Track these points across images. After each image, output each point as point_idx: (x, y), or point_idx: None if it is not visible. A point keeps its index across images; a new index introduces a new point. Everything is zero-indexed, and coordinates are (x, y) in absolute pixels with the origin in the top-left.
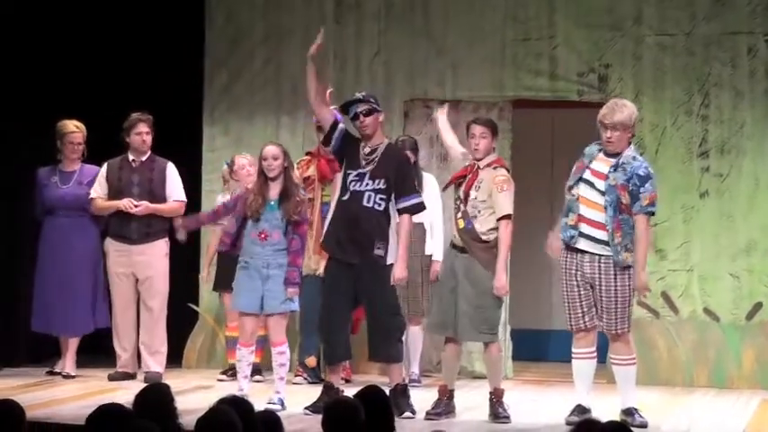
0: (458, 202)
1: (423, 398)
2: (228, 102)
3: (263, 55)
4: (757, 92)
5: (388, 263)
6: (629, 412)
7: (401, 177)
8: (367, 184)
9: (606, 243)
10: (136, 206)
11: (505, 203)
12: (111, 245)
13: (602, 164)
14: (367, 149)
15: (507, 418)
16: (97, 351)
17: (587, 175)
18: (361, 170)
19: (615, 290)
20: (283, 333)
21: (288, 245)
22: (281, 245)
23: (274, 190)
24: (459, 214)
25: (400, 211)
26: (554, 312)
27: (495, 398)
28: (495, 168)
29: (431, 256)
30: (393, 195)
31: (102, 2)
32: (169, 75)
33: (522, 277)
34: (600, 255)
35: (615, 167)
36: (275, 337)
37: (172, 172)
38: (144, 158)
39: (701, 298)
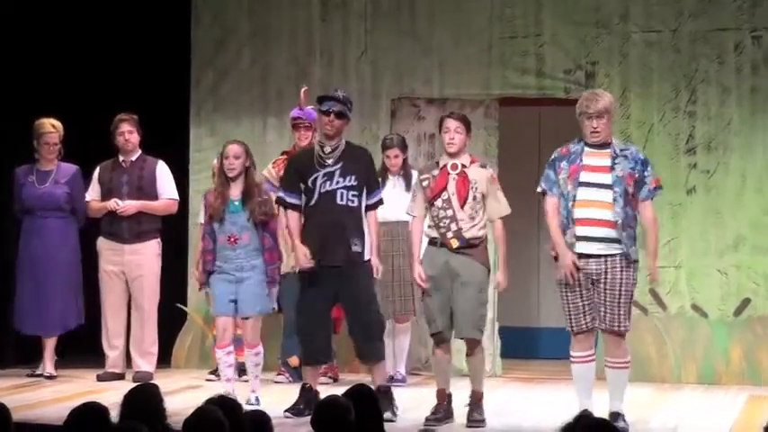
0: (445, 221)
1: (410, 396)
2: (215, 102)
3: (250, 55)
4: (744, 88)
5: (366, 258)
6: (615, 416)
7: (368, 173)
8: (338, 182)
9: (612, 240)
10: (121, 206)
11: (505, 203)
12: (103, 244)
13: (596, 158)
14: (327, 149)
15: (482, 422)
16: (85, 351)
17: (585, 176)
18: (328, 169)
19: (621, 283)
20: (258, 335)
21: (260, 244)
22: (253, 246)
23: (236, 190)
24: (451, 234)
25: (368, 208)
26: (542, 310)
27: (475, 400)
28: (482, 166)
29: None
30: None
31: (87, 1)
32: (155, 75)
33: (510, 274)
34: (606, 255)
35: (616, 156)
36: (251, 339)
37: (162, 170)
38: (134, 158)
39: (689, 294)
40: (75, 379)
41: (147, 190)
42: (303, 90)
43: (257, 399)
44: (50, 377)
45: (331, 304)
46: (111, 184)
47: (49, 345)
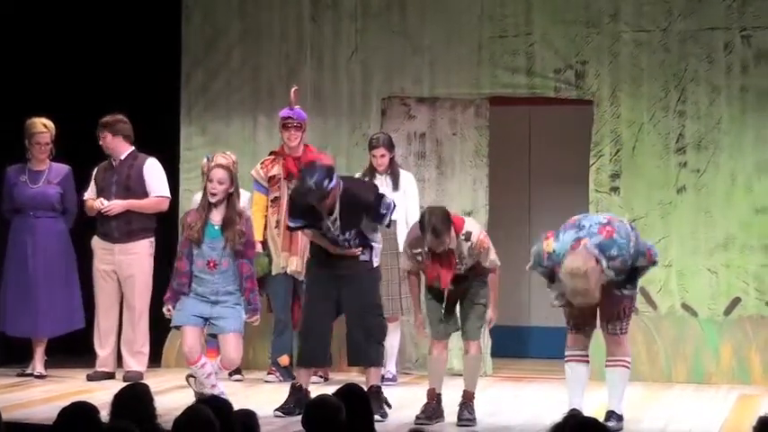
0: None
1: (400, 395)
2: (206, 101)
3: (241, 54)
4: (734, 88)
5: (374, 266)
6: (610, 414)
7: (368, 216)
8: (338, 236)
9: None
10: (106, 205)
11: (495, 258)
12: (97, 243)
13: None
14: (332, 218)
15: (473, 421)
16: (75, 351)
17: None
18: (330, 233)
19: (621, 294)
20: (240, 355)
21: (239, 271)
22: (230, 272)
23: (217, 215)
24: (446, 292)
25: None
26: (533, 309)
27: (466, 400)
28: (464, 239)
29: None
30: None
31: (78, 1)
32: (146, 74)
33: (500, 274)
34: None
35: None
36: (234, 357)
37: (151, 168)
38: (123, 157)
39: (679, 293)
40: (65, 378)
41: (134, 189)
42: (293, 90)
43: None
44: (40, 376)
45: (334, 310)
46: (103, 184)
47: (40, 345)
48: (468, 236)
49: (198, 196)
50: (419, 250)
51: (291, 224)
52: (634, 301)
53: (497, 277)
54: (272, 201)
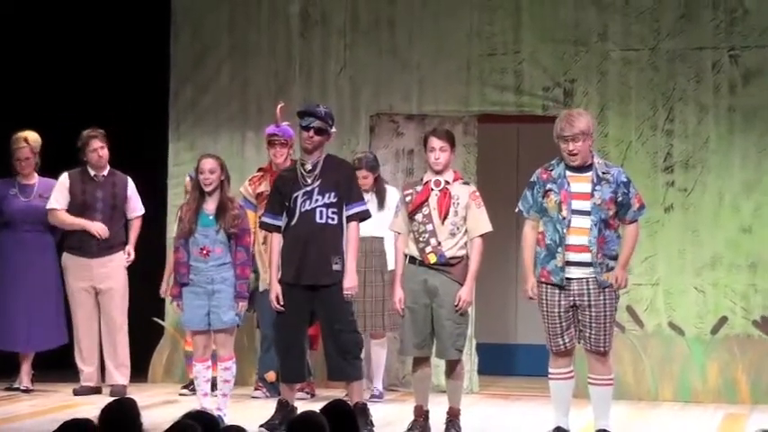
0: (425, 236)
1: (387, 412)
2: (194, 117)
3: (229, 70)
4: (721, 107)
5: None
6: None
7: (348, 185)
8: (317, 200)
9: (590, 264)
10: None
11: (486, 220)
12: (69, 260)
13: (578, 183)
14: (308, 166)
15: None
16: (61, 366)
17: (575, 204)
18: (307, 188)
19: (604, 305)
20: (231, 348)
21: (233, 258)
22: (224, 260)
23: (211, 204)
24: (430, 249)
25: (349, 218)
26: (519, 326)
27: (452, 417)
28: (465, 183)
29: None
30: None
31: (66, 17)
32: (135, 89)
33: (487, 291)
34: (587, 278)
35: (597, 182)
36: (222, 353)
37: (133, 187)
38: (105, 173)
39: (666, 312)
40: (52, 393)
41: (120, 207)
42: (279, 107)
43: (221, 418)
44: (27, 391)
45: (307, 323)
46: (84, 198)
47: (26, 359)
48: (467, 182)
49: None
50: (410, 191)
51: (270, 221)
52: (614, 316)
53: (482, 249)
54: (260, 218)
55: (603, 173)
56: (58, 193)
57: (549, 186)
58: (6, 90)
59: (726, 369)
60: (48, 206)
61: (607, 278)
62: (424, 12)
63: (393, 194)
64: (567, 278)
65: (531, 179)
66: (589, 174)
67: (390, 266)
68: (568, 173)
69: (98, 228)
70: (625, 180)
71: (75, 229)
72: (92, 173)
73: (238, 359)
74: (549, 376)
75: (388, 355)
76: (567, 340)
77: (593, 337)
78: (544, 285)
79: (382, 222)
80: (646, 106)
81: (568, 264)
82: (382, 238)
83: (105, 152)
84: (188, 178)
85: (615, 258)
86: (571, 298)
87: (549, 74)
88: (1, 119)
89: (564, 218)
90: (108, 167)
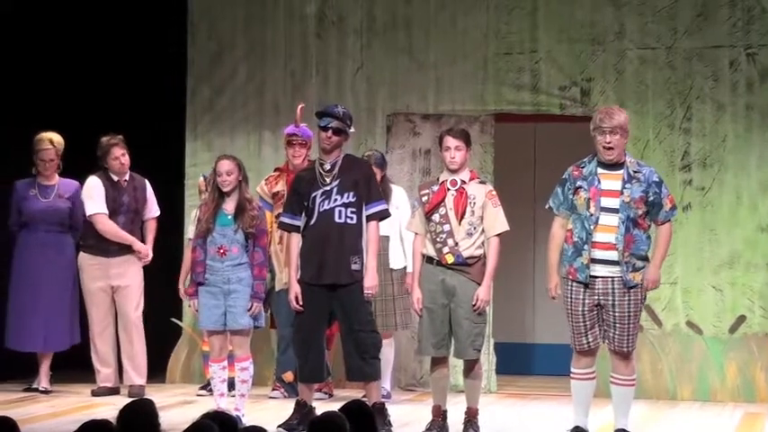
0: (442, 236)
1: (405, 412)
2: (211, 117)
3: (246, 71)
4: (739, 105)
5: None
6: None
7: (367, 184)
8: (335, 200)
9: (617, 263)
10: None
11: (503, 219)
12: (86, 259)
13: (609, 181)
14: (327, 166)
15: None
16: (79, 366)
17: (604, 201)
18: (326, 188)
19: (628, 305)
20: (248, 349)
21: (250, 258)
22: (241, 260)
23: (230, 204)
24: (447, 249)
25: (368, 218)
26: (537, 326)
27: (470, 417)
28: (482, 182)
29: (404, 268)
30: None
31: (83, 18)
32: (152, 90)
33: (505, 290)
34: (613, 277)
35: (628, 180)
36: (239, 353)
37: (150, 189)
38: (126, 177)
39: (685, 311)
40: (71, 394)
41: (140, 210)
42: (299, 107)
43: (239, 418)
44: (45, 392)
45: (326, 323)
46: (114, 205)
47: (45, 359)
48: (483, 181)
49: (197, 212)
50: (426, 191)
51: (289, 221)
52: (639, 316)
53: (499, 248)
54: (276, 217)
55: (635, 171)
56: (98, 198)
57: (579, 183)
58: (25, 91)
59: (744, 368)
60: (90, 211)
61: (634, 278)
62: (441, 11)
63: (398, 194)
64: (593, 276)
65: (563, 176)
66: (620, 172)
67: (392, 265)
68: (600, 170)
69: (143, 250)
70: (657, 180)
71: (121, 241)
72: (115, 178)
73: (255, 359)
74: (571, 375)
75: (405, 355)
76: (590, 339)
77: (616, 337)
78: (570, 282)
79: (388, 221)
80: (663, 105)
81: (594, 261)
82: (388, 237)
83: (126, 159)
84: (201, 178)
85: (643, 259)
86: (596, 297)
87: (565, 73)
88: (20, 120)
89: (592, 215)
90: (129, 172)
